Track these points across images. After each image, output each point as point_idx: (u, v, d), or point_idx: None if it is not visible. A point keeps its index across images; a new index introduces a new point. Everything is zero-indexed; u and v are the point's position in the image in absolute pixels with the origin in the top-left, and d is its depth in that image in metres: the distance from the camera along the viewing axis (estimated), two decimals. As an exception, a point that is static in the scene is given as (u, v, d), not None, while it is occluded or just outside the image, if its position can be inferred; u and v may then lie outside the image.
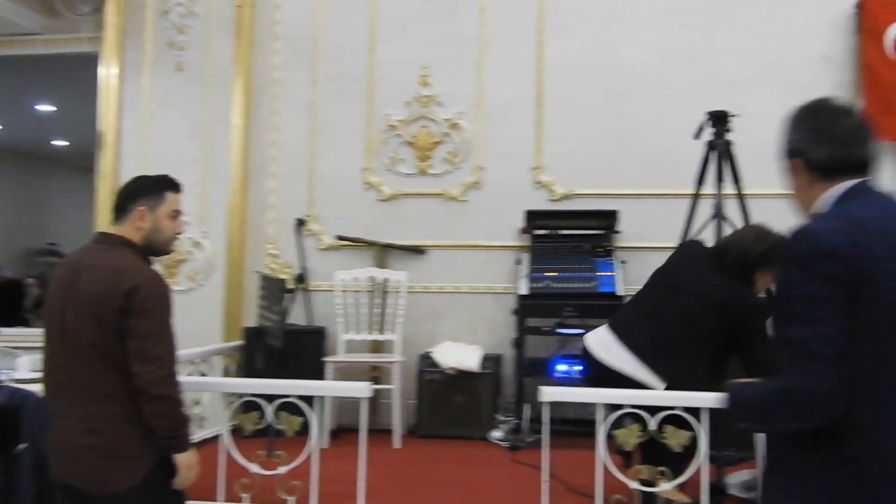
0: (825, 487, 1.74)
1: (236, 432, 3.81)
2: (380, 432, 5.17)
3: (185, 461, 2.79)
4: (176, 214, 2.94)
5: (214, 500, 3.56)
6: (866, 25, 5.21)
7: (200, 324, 5.29)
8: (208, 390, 4.47)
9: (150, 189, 2.93)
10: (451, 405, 5.23)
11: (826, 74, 5.40)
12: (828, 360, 1.70)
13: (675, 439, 3.39)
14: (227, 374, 5.14)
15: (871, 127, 1.93)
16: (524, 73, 5.69)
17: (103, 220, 5.84)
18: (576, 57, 5.63)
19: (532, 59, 5.69)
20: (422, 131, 5.80)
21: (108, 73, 5.97)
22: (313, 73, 5.89)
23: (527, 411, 5.11)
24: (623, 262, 5.24)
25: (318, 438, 3.63)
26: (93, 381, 2.72)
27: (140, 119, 5.94)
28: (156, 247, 2.92)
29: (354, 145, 5.85)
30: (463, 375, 5.21)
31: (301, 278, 5.76)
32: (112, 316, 2.68)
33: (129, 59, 5.99)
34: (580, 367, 4.24)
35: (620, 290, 5.07)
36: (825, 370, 1.69)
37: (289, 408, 3.68)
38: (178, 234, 2.98)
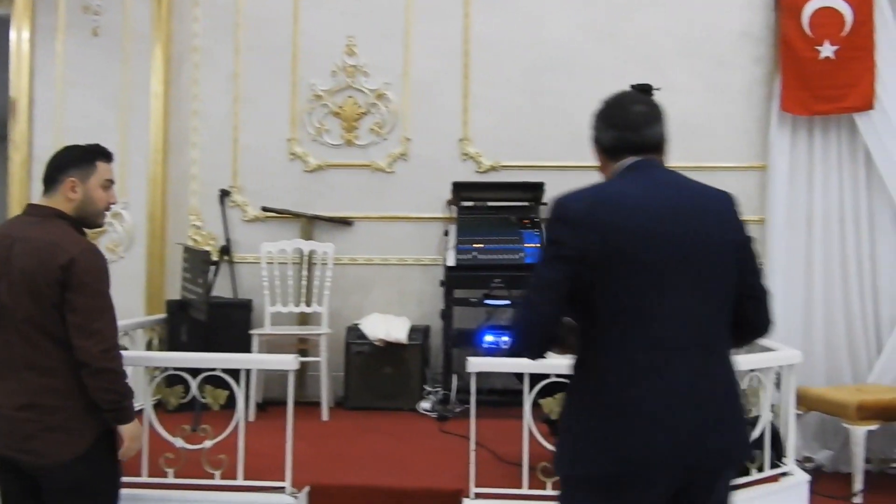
0: (582, 403, 2.12)
1: (160, 407, 3.77)
2: (307, 405, 5.18)
3: (130, 432, 2.80)
4: (108, 184, 2.90)
5: (138, 475, 3.53)
6: (784, 2, 5.31)
7: (121, 297, 5.00)
8: (131, 364, 4.37)
9: (80, 159, 2.87)
10: (379, 377, 5.25)
11: (745, 49, 5.53)
12: (539, 304, 2.10)
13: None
14: (150, 347, 5.04)
15: (658, 114, 2.25)
16: (451, 46, 5.67)
17: (17, 190, 5.66)
18: (502, 31, 5.64)
19: (459, 32, 5.67)
20: (348, 102, 5.74)
21: (19, 37, 5.72)
22: (236, 41, 5.77)
23: (455, 382, 5.17)
24: (549, 233, 5.31)
25: (243, 412, 3.63)
26: (31, 355, 2.69)
27: (54, 86, 5.73)
28: (88, 218, 2.88)
29: (279, 115, 5.77)
30: (391, 347, 5.23)
31: (226, 250, 5.69)
32: (49, 290, 2.66)
33: (42, 22, 5.75)
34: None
35: (545, 260, 5.14)
36: (535, 310, 2.11)
37: (214, 381, 3.68)
38: (112, 203, 2.95)
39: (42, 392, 2.68)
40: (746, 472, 3.64)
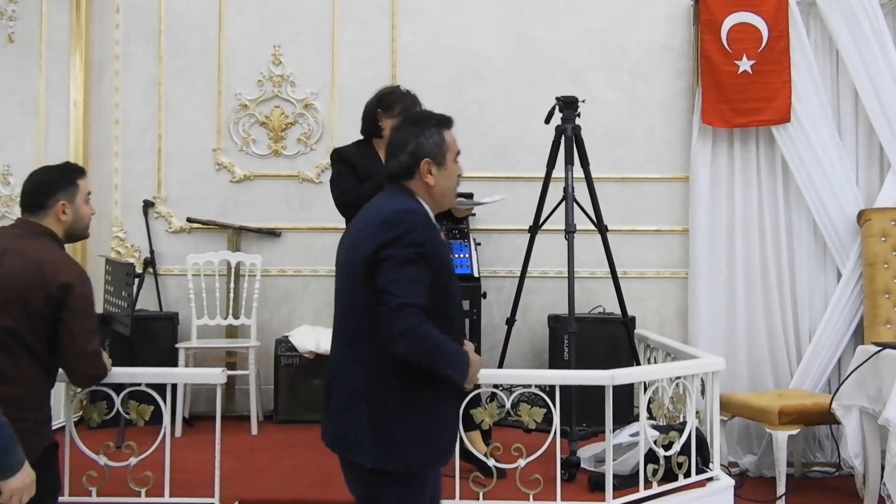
0: None
1: (82, 423, 3.70)
2: (236, 419, 5.15)
3: None
4: (89, 197, 3.11)
5: (61, 494, 3.43)
6: (704, 18, 5.46)
7: None
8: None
9: (63, 181, 3.03)
10: (308, 389, 5.21)
11: (667, 63, 5.68)
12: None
13: (529, 416, 3.55)
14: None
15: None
16: (378, 56, 5.69)
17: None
18: (428, 41, 5.69)
19: (386, 42, 5.70)
20: (275, 111, 5.71)
21: (-71, 42, 5.55)
22: (158, 48, 5.68)
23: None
24: (478, 243, 5.37)
25: (169, 427, 3.59)
26: (2, 363, 2.80)
27: (-34, 93, 5.59)
28: (77, 233, 3.11)
29: (204, 124, 5.70)
30: (321, 359, 5.18)
31: (150, 262, 5.59)
32: (43, 305, 2.82)
33: (-47, 28, 5.61)
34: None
35: (476, 271, 5.20)
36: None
37: (139, 396, 3.62)
38: (93, 214, 3.15)
39: (3, 400, 2.64)
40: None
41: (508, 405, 3.54)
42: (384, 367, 2.41)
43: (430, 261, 2.42)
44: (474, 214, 5.05)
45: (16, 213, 4.98)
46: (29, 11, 5.60)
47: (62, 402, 3.75)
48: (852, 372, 4.41)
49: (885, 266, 5.27)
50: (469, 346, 2.60)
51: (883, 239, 5.29)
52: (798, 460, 5.25)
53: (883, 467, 4.14)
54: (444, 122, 2.67)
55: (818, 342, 5.36)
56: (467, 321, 5.27)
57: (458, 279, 2.68)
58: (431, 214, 2.59)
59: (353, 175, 3.86)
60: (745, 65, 5.42)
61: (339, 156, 3.95)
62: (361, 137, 4.05)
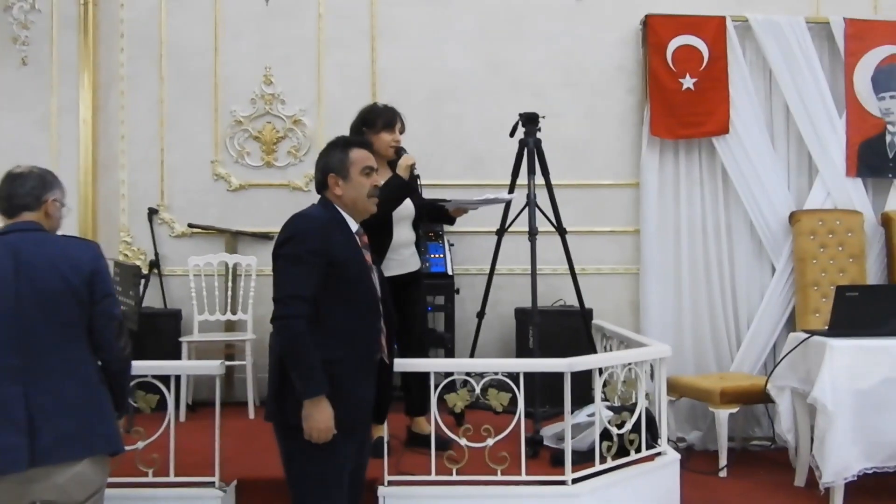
0: None
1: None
2: (235, 405, 5.16)
3: None
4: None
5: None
6: (651, 41, 5.53)
7: None
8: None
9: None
10: (299, 377, 5.24)
11: (619, 81, 5.74)
12: None
13: (497, 400, 3.61)
14: (82, 357, 4.93)
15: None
16: (359, 75, 5.72)
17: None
18: (405, 62, 5.70)
19: (367, 63, 5.73)
20: (266, 127, 5.73)
21: (-50, 66, 5.53)
22: (160, 69, 5.69)
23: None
24: (451, 244, 5.42)
25: (173, 414, 3.62)
26: None
27: (-16, 112, 5.57)
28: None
29: (203, 139, 5.71)
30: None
31: (155, 264, 5.60)
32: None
33: (-29, 52, 5.59)
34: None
35: (450, 269, 5.26)
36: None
37: (146, 387, 3.64)
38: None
39: None
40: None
41: (478, 390, 3.60)
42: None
43: (321, 258, 2.69)
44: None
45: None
46: (41, 37, 5.60)
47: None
48: (784, 356, 4.49)
49: (814, 261, 5.37)
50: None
51: (812, 237, 5.39)
52: (739, 436, 5.33)
53: (812, 441, 4.21)
54: (351, 143, 2.91)
55: (755, 330, 5.46)
56: (442, 314, 5.34)
57: (367, 269, 2.84)
58: (348, 218, 2.86)
59: None
60: (688, 82, 5.49)
61: None
62: None
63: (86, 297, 2.59)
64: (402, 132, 4.04)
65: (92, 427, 2.55)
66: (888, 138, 5.51)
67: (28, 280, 2.52)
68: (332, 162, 2.87)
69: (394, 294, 3.59)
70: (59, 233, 2.85)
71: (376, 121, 3.95)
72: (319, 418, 2.59)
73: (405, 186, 3.86)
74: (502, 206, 4.68)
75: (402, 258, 3.98)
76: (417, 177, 4.04)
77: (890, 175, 5.54)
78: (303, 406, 2.60)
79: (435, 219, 4.31)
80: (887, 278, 5.47)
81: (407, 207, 3.99)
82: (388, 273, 3.69)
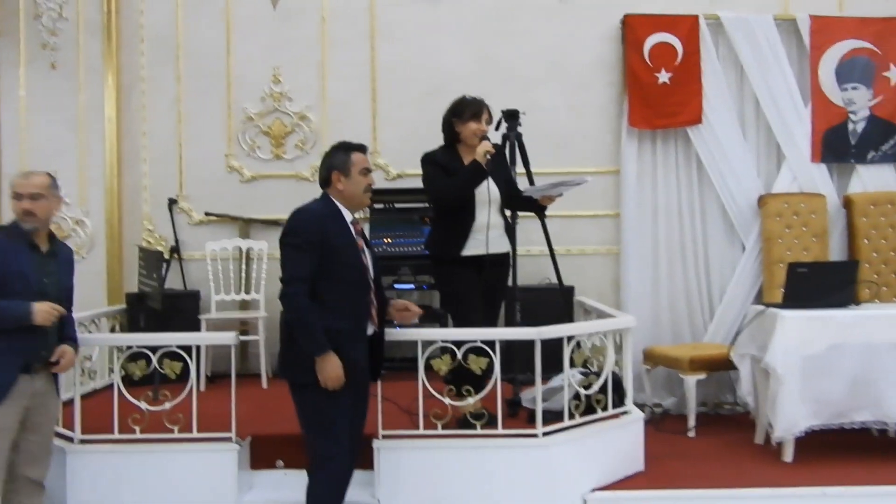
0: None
1: (127, 379, 4.19)
2: (249, 376, 5.52)
3: None
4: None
5: (111, 433, 3.95)
6: (629, 38, 5.84)
7: (86, 291, 5.38)
8: (104, 344, 4.79)
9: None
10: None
11: (600, 76, 6.06)
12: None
13: (476, 364, 4.02)
14: (112, 332, 5.40)
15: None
16: (360, 73, 6.09)
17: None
18: (402, 59, 6.05)
19: (367, 61, 6.10)
20: (275, 122, 6.14)
21: (-15, 70, 5.94)
22: (177, 71, 6.10)
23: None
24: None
25: (195, 379, 4.07)
26: None
27: (18, 112, 6.00)
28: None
29: (217, 134, 6.12)
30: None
31: (175, 249, 6.00)
32: None
33: (5, 57, 6.01)
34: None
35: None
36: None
37: (171, 356, 4.08)
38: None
39: None
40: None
41: (460, 356, 3.99)
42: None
43: (317, 246, 3.26)
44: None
45: (63, 214, 5.45)
46: (68, 43, 6.02)
47: (105, 365, 4.20)
48: (744, 327, 4.84)
49: (780, 241, 5.74)
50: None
51: (778, 218, 5.74)
52: (712, 401, 5.67)
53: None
54: (352, 147, 3.45)
55: (727, 303, 5.79)
56: (437, 293, 5.72)
57: (359, 252, 3.39)
58: (344, 211, 3.42)
59: (443, 173, 4.17)
60: (664, 77, 5.81)
61: (430, 159, 4.24)
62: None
63: None
64: (488, 123, 4.27)
65: None
66: (850, 126, 5.85)
67: None
68: (336, 162, 3.43)
69: (479, 273, 4.15)
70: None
71: (464, 111, 4.20)
72: (329, 369, 3.21)
73: (481, 171, 4.07)
74: None
75: (487, 239, 4.14)
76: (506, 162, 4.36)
77: (852, 160, 5.88)
78: (315, 363, 3.19)
79: (526, 208, 4.55)
80: (848, 256, 5.82)
81: (490, 191, 4.19)
82: (469, 252, 4.11)
